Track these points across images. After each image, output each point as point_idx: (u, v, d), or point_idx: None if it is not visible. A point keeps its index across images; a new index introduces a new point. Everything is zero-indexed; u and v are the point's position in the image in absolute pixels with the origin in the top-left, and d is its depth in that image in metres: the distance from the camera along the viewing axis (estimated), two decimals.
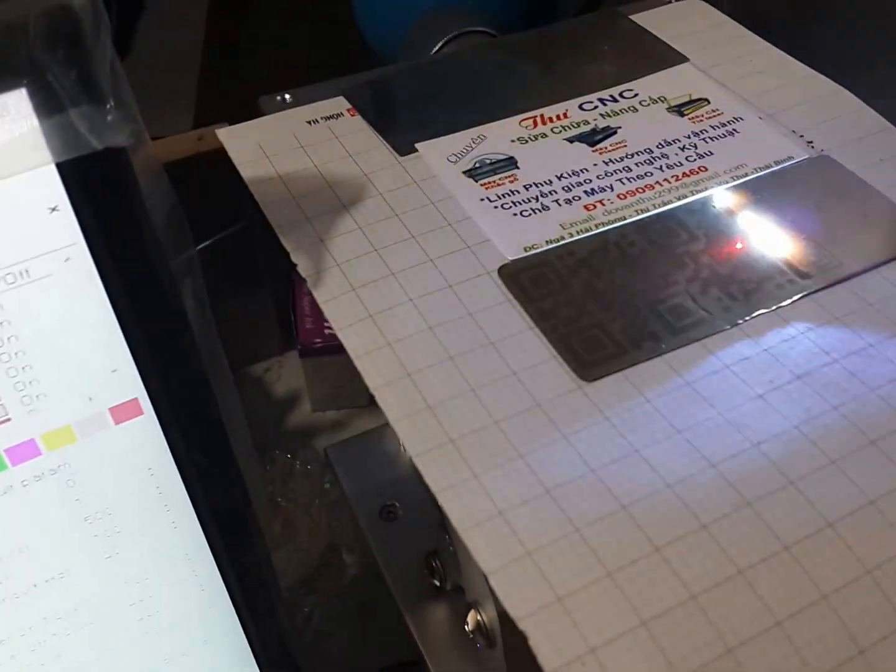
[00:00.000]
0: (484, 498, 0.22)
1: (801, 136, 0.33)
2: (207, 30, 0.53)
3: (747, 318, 0.27)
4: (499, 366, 0.26)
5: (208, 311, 0.27)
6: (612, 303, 0.27)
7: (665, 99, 0.35)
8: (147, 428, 0.24)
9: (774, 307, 0.27)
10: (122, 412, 0.23)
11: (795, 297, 0.27)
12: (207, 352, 0.26)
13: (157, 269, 0.23)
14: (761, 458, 0.23)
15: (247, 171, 0.33)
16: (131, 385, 0.23)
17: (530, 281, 0.28)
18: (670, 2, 0.40)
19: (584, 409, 0.24)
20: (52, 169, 0.20)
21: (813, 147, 0.32)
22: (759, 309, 0.27)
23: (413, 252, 0.29)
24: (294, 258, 0.29)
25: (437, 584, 0.34)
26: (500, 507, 0.22)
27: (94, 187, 0.21)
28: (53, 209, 0.21)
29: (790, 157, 0.32)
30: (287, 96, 0.36)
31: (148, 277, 0.23)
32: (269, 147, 0.33)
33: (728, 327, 0.26)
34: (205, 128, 0.43)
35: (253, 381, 0.51)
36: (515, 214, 0.30)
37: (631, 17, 0.39)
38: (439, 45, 0.40)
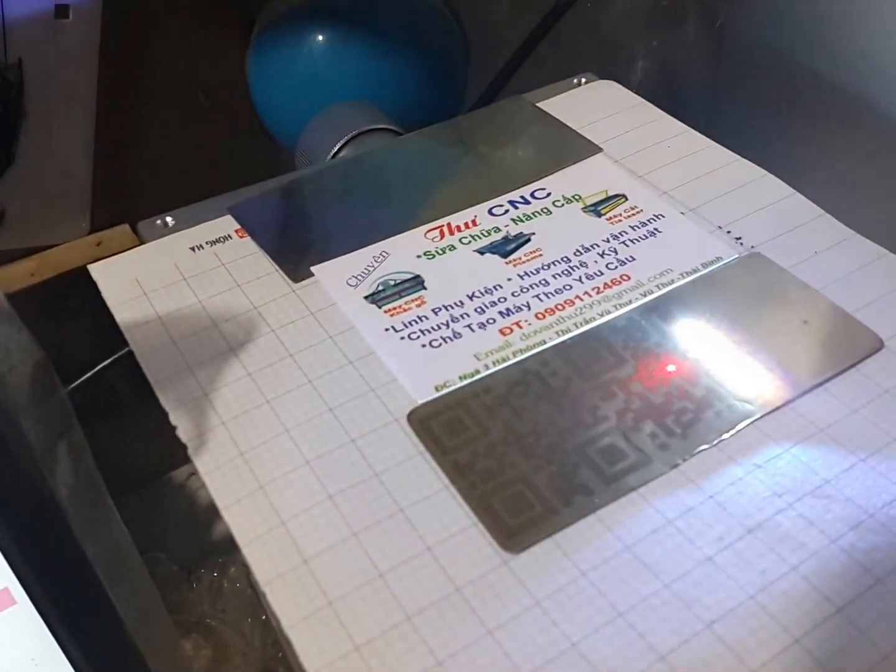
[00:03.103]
0: None
1: (729, 231, 0.30)
2: (98, 129, 0.50)
3: (687, 457, 0.23)
4: (411, 540, 0.22)
5: (88, 460, 0.25)
6: (536, 448, 0.24)
7: (580, 197, 0.32)
8: (23, 617, 0.21)
9: (716, 441, 0.24)
10: None
11: (738, 427, 0.24)
12: (87, 508, 0.24)
13: (12, 451, 0.20)
14: (716, 643, 0.20)
15: (122, 314, 0.29)
16: None
17: (444, 427, 0.25)
18: (579, 85, 0.38)
19: (511, 591, 0.21)
20: None
21: (742, 244, 0.30)
22: (699, 445, 0.24)
23: (310, 401, 0.26)
24: (173, 419, 0.26)
25: None
26: None
27: None
28: None
29: (718, 258, 0.29)
30: (168, 219, 0.33)
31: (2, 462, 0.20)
32: (147, 282, 0.30)
33: (667, 470, 0.23)
34: (103, 231, 0.40)
35: (176, 488, 0.48)
36: (424, 346, 0.27)
37: (538, 104, 0.37)
38: (338, 146, 0.37)
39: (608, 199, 0.32)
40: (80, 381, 0.37)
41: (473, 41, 0.47)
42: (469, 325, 0.28)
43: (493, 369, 0.26)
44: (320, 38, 0.46)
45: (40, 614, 0.21)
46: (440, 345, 0.27)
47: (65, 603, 0.22)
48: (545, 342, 0.27)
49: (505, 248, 0.30)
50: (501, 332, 0.27)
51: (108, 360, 0.39)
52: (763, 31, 0.38)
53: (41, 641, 0.22)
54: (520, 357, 0.27)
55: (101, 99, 0.49)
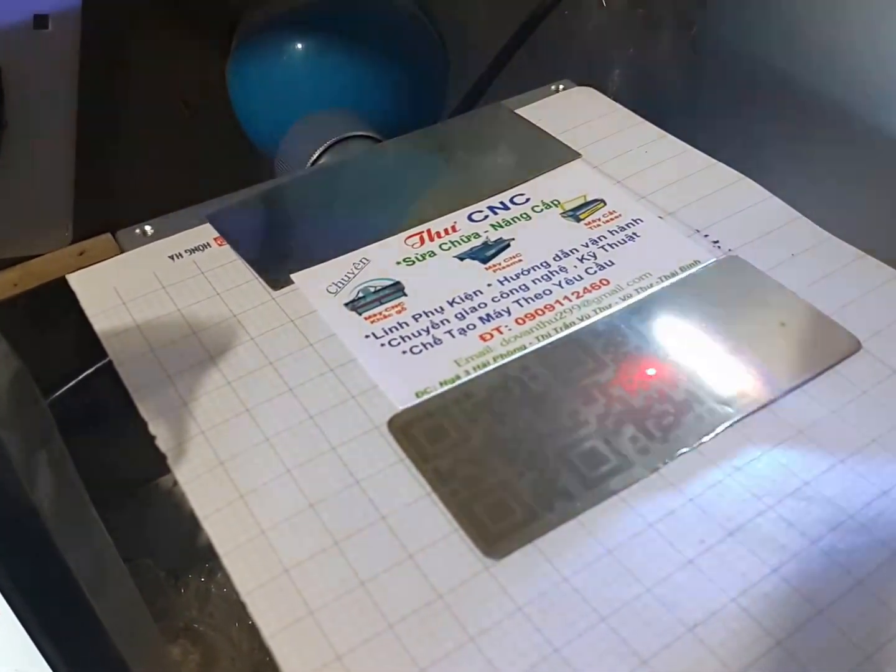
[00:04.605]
0: None
1: (706, 235, 0.30)
2: (79, 139, 0.50)
3: (668, 460, 0.24)
4: (392, 548, 0.22)
5: (69, 470, 0.24)
6: (517, 453, 0.24)
7: (559, 203, 0.32)
8: (5, 628, 0.21)
9: (696, 444, 0.24)
10: None
11: (718, 430, 0.24)
12: (68, 518, 0.24)
13: None
14: (698, 647, 0.20)
15: (100, 323, 0.29)
16: None
17: (425, 434, 0.25)
18: (557, 91, 0.38)
19: (493, 597, 0.21)
20: None
21: (719, 247, 0.30)
22: (679, 448, 0.24)
23: (290, 409, 0.26)
24: (152, 429, 0.25)
25: None
26: None
27: None
28: None
29: (696, 262, 0.29)
30: (148, 228, 0.32)
31: None
32: (126, 291, 0.30)
33: (648, 474, 0.23)
34: (85, 241, 0.39)
35: (163, 495, 0.48)
36: (405, 352, 0.27)
37: (517, 111, 0.37)
38: (317, 153, 0.37)
39: (587, 204, 0.32)
40: (62, 390, 0.37)
41: (452, 49, 0.47)
42: (449, 331, 0.28)
43: (473, 375, 0.26)
44: (300, 46, 0.46)
45: (22, 624, 0.21)
46: (420, 351, 0.27)
47: (47, 613, 0.22)
48: (525, 347, 0.27)
49: (485, 253, 0.30)
50: (482, 337, 0.27)
51: (91, 370, 0.39)
52: (737, 38, 0.38)
53: (24, 652, 0.22)
54: (500, 362, 0.27)
55: (81, 108, 0.49)
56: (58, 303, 0.34)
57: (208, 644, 0.41)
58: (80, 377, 0.37)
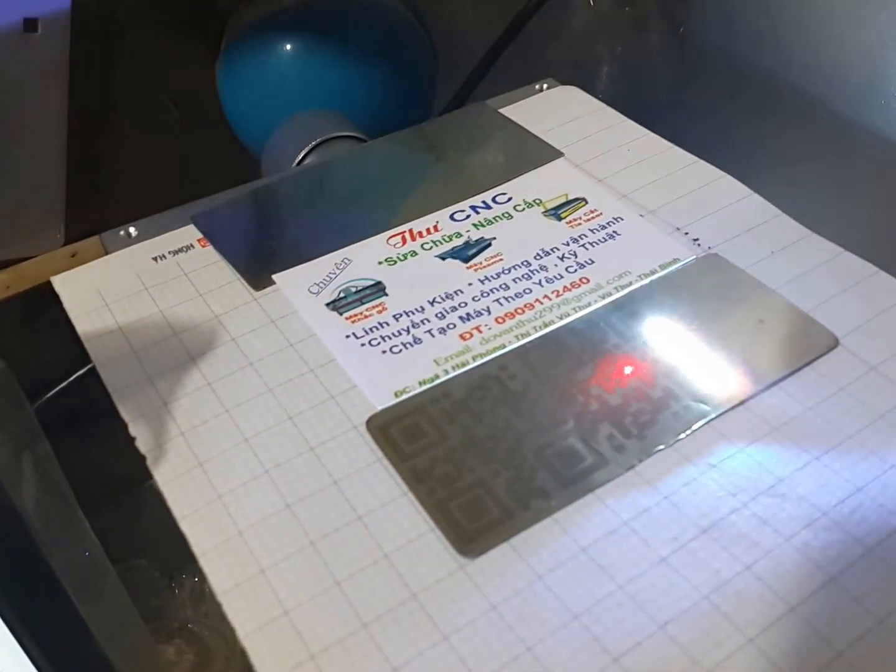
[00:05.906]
0: None
1: (686, 233, 0.30)
2: (70, 141, 0.50)
3: (644, 458, 0.24)
4: (368, 547, 0.22)
5: (55, 472, 0.25)
6: (494, 452, 0.24)
7: (541, 202, 0.32)
8: None
9: (672, 442, 0.24)
10: None
11: (694, 427, 0.24)
12: (54, 521, 0.24)
13: None
14: (669, 644, 0.20)
15: (83, 325, 0.29)
16: None
17: (402, 433, 0.25)
18: (541, 90, 0.38)
19: (468, 596, 0.21)
20: None
21: (699, 245, 0.30)
22: (655, 446, 0.24)
23: (270, 409, 0.26)
24: (132, 430, 0.25)
25: None
26: None
27: None
28: None
29: (676, 260, 0.29)
30: (132, 230, 0.33)
31: None
32: (109, 293, 0.30)
33: (623, 472, 0.23)
34: (77, 243, 0.40)
35: (157, 495, 0.48)
36: (385, 352, 0.27)
37: (501, 110, 0.37)
38: (302, 154, 0.37)
39: (568, 202, 0.32)
40: (54, 391, 0.37)
41: (441, 49, 0.47)
42: (429, 331, 0.28)
43: (452, 374, 0.26)
44: (289, 47, 0.46)
45: (7, 625, 0.21)
46: (400, 351, 0.27)
47: (31, 614, 0.22)
48: (505, 346, 0.27)
49: (466, 252, 0.30)
50: (461, 336, 0.27)
51: (83, 370, 0.39)
52: (722, 37, 0.38)
53: (10, 654, 0.22)
54: (479, 361, 0.27)
55: (72, 110, 0.49)
56: (51, 304, 0.34)
57: (203, 644, 0.41)
58: (73, 378, 0.38)
